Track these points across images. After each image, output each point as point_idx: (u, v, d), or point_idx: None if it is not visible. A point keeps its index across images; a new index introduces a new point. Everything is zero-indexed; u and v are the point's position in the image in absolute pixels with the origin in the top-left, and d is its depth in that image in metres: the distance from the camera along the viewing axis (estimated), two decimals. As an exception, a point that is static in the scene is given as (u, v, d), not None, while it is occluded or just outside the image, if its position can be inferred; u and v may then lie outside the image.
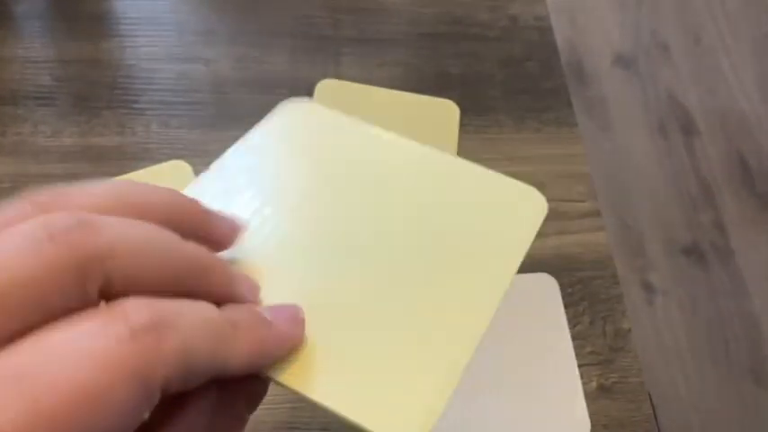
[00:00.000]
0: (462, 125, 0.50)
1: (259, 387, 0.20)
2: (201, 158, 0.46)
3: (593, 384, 0.42)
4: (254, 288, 0.20)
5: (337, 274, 0.22)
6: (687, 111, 1.58)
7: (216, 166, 0.26)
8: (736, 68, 1.64)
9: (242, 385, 0.19)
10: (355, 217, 0.24)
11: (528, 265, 0.45)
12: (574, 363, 0.42)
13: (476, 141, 0.49)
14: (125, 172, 0.45)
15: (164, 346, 0.15)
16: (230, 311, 0.18)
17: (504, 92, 0.52)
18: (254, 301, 0.20)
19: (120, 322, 0.15)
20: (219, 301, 0.18)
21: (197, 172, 0.45)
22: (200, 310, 0.17)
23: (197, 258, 0.18)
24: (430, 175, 0.27)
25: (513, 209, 0.27)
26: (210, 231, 0.20)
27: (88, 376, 0.14)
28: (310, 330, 0.20)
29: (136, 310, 0.15)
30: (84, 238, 0.15)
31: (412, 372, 0.21)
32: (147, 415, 0.15)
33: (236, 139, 0.46)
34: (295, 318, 0.20)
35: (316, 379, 0.19)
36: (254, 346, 0.18)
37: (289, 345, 0.19)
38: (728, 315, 1.34)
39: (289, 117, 0.29)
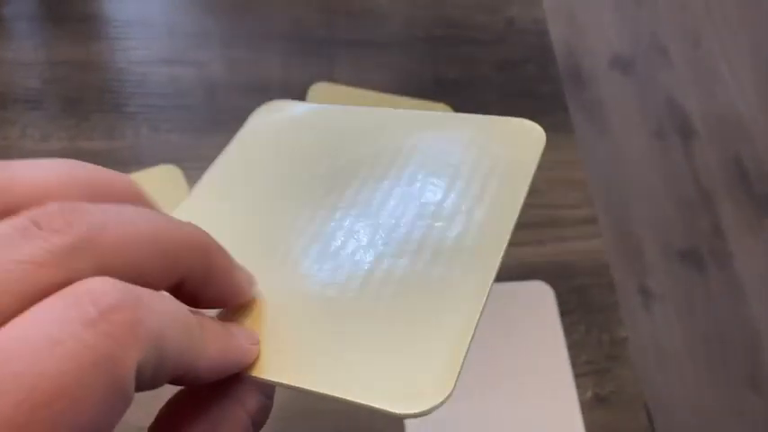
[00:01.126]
0: (457, 130, 0.49)
1: (262, 402, 0.19)
2: (193, 163, 0.45)
3: (589, 394, 0.41)
4: (252, 280, 0.20)
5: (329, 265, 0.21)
6: (685, 114, 1.58)
7: (202, 183, 0.25)
8: (735, 72, 1.64)
9: (246, 402, 0.18)
10: (347, 201, 0.23)
11: (523, 273, 0.45)
12: (569, 372, 0.42)
13: (471, 146, 0.49)
14: (114, 176, 0.44)
15: (138, 329, 0.13)
16: (198, 314, 0.17)
17: (500, 96, 0.51)
18: (250, 293, 0.20)
19: (86, 304, 0.13)
20: (219, 291, 0.18)
21: (188, 176, 0.45)
22: (171, 302, 0.16)
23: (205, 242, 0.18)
24: (421, 136, 0.24)
25: (514, 143, 0.25)
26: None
27: (52, 367, 0.12)
28: (301, 322, 0.19)
29: (103, 289, 0.13)
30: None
31: (418, 342, 0.19)
32: (124, 411, 0.14)
33: (226, 142, 0.46)
34: (253, 337, 0.19)
35: (318, 371, 0.18)
36: (220, 351, 0.17)
37: (247, 360, 0.19)
38: (726, 320, 1.34)
39: (264, 120, 0.28)
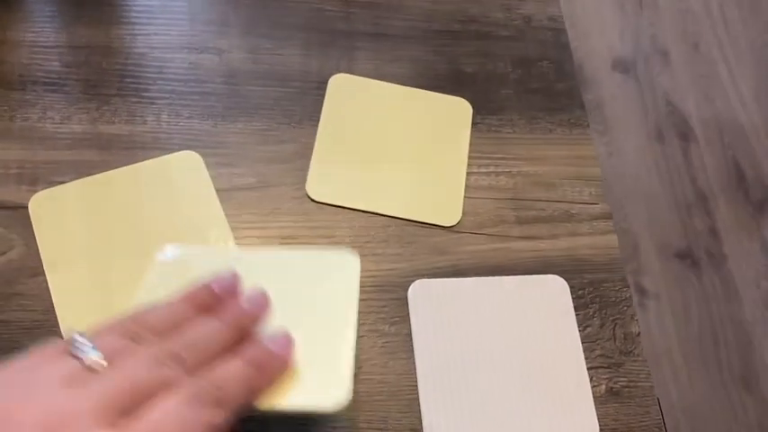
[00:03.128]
0: (475, 123, 0.50)
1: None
2: (212, 149, 0.45)
3: (603, 388, 0.42)
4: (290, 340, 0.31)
5: None
6: (684, 117, 1.58)
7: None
8: (734, 77, 1.64)
9: None
10: None
11: (539, 267, 0.45)
12: (583, 366, 0.42)
13: (488, 140, 0.49)
14: (135, 161, 0.44)
15: (219, 411, 0.26)
16: (251, 352, 0.29)
17: (517, 91, 0.51)
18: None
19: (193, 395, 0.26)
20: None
21: (207, 163, 0.45)
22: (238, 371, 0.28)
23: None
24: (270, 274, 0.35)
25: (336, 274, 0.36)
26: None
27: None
28: None
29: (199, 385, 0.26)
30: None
31: (318, 362, 0.31)
32: None
33: (246, 130, 0.46)
34: (289, 343, 0.30)
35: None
36: (269, 379, 0.29)
37: (286, 367, 0.30)
38: (720, 321, 1.35)
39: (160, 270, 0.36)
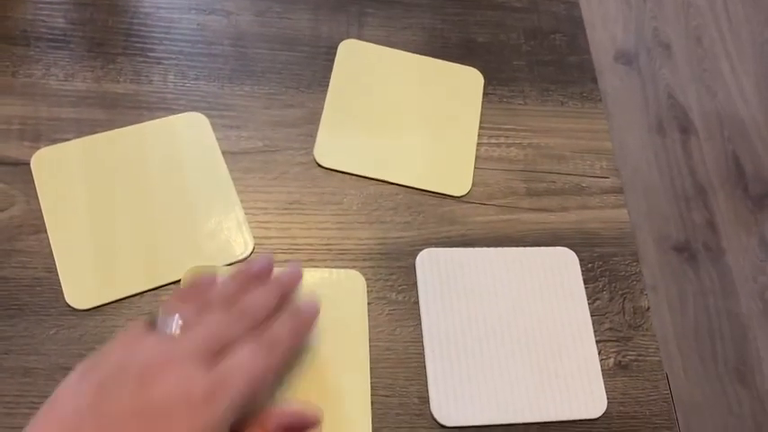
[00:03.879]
0: (486, 94, 0.49)
1: None
2: (219, 111, 0.44)
3: (611, 361, 0.41)
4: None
5: None
6: (685, 110, 1.58)
7: None
8: (736, 71, 1.64)
9: None
10: None
11: (548, 239, 0.44)
12: (592, 339, 0.42)
13: (499, 111, 0.48)
14: (140, 121, 0.43)
15: (276, 354, 0.34)
16: (291, 309, 0.37)
17: (529, 63, 0.51)
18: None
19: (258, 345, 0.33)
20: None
21: (214, 125, 0.44)
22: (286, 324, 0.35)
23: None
24: None
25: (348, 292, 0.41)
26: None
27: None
28: None
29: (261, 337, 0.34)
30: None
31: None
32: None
33: (253, 93, 0.45)
34: (316, 304, 0.37)
35: None
36: (306, 327, 0.37)
37: (316, 316, 0.37)
38: (716, 314, 1.35)
39: None
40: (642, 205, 1.44)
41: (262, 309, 0.35)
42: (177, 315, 0.33)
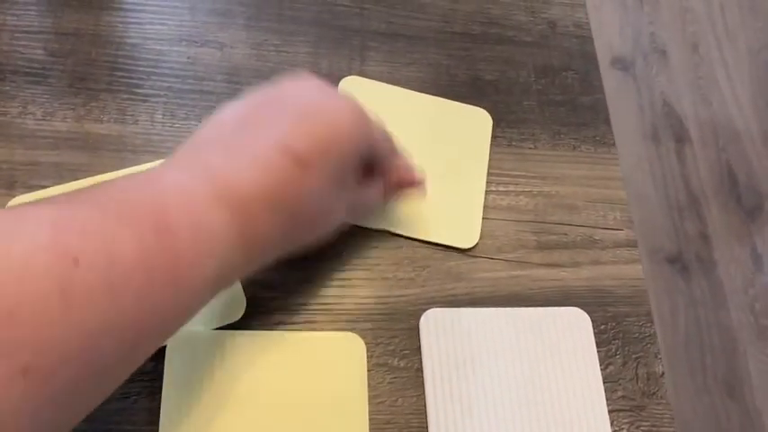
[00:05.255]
0: (495, 137, 0.46)
1: None
2: (210, 156, 0.41)
3: (624, 432, 0.39)
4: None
5: None
6: (680, 118, 1.56)
7: None
8: (732, 80, 1.62)
9: None
10: None
11: (560, 298, 0.42)
12: (604, 409, 0.39)
13: (508, 155, 0.46)
14: (124, 166, 0.40)
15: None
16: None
17: (539, 103, 0.48)
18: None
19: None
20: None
21: (205, 171, 0.41)
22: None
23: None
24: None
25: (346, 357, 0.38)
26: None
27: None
28: None
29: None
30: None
31: None
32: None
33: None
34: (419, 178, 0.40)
35: None
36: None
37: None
38: (707, 326, 1.34)
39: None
40: (635, 215, 1.42)
41: None
42: None
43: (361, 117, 0.34)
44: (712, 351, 1.32)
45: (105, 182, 0.27)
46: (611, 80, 1.57)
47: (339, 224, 0.37)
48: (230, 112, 0.32)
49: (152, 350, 0.28)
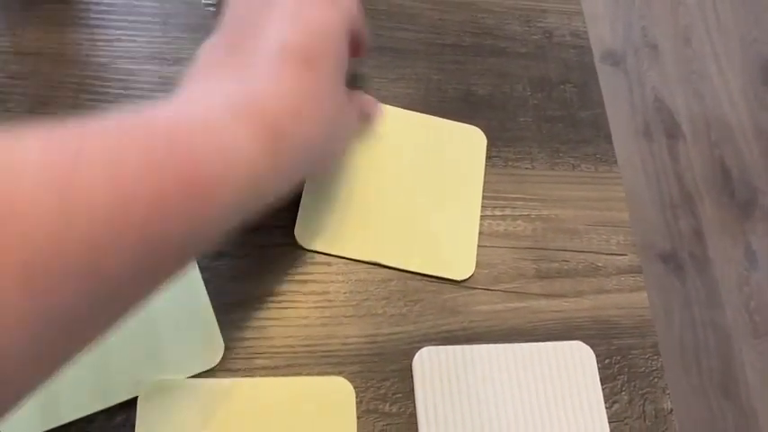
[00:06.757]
0: (490, 156, 0.43)
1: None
2: (185, 184, 0.38)
3: (631, 476, 0.37)
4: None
5: None
6: (672, 114, 1.55)
7: None
8: (724, 75, 1.61)
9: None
10: None
11: (562, 330, 0.39)
12: (611, 451, 0.37)
13: (504, 177, 0.43)
14: (91, 198, 0.37)
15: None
16: None
17: (536, 119, 0.45)
18: None
19: None
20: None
21: (179, 201, 0.38)
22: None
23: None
24: None
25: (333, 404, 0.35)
26: None
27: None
28: None
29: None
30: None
31: None
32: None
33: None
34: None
35: None
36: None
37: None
38: (702, 325, 1.33)
39: None
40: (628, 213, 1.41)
41: None
42: None
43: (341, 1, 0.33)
44: (707, 350, 1.30)
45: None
46: (601, 76, 1.54)
47: (352, 132, 0.38)
48: (218, 35, 0.32)
49: (169, 273, 0.26)
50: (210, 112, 0.26)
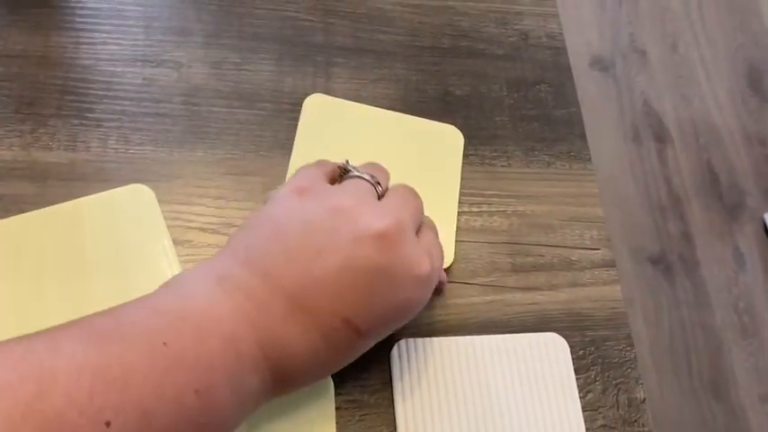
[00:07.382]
0: (467, 155, 0.44)
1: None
2: (167, 183, 0.39)
3: (605, 463, 0.37)
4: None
5: None
6: (660, 118, 1.56)
7: None
8: (711, 79, 1.62)
9: None
10: None
11: (537, 323, 0.40)
12: (585, 439, 0.38)
13: (481, 174, 0.44)
14: (75, 196, 0.38)
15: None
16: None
17: (512, 118, 0.46)
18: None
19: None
20: None
21: (161, 199, 0.39)
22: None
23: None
24: None
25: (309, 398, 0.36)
26: None
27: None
28: None
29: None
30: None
31: None
32: None
33: (207, 159, 0.40)
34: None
35: None
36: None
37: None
38: (691, 327, 1.34)
39: None
40: (617, 215, 1.42)
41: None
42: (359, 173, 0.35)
43: (428, 282, 0.33)
44: (697, 352, 1.31)
45: (155, 307, 0.28)
46: (590, 81, 1.56)
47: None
48: (281, 226, 0.31)
49: None
50: (241, 351, 0.28)
